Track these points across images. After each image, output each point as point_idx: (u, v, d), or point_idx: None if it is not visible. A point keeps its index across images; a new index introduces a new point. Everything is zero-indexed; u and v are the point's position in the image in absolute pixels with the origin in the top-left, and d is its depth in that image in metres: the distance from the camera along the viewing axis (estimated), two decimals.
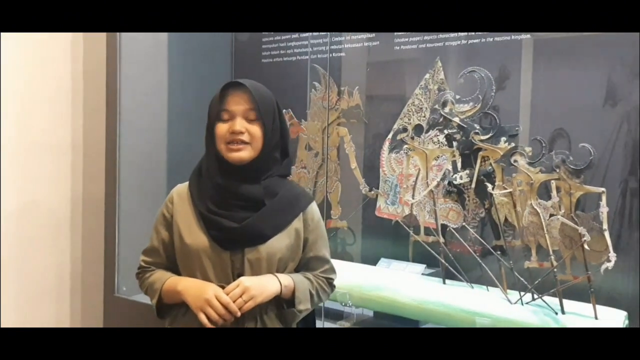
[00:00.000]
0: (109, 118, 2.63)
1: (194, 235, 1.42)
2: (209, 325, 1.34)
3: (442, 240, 2.08)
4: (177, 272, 1.49)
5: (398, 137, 2.27)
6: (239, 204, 1.40)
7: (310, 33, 2.71)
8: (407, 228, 2.19)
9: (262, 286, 1.38)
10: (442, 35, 2.35)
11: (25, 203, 2.60)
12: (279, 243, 1.43)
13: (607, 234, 1.74)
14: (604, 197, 1.75)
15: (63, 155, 2.76)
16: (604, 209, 1.75)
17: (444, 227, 2.11)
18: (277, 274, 1.43)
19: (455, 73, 2.18)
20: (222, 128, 1.41)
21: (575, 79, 2.11)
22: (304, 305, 1.44)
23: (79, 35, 2.78)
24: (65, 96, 2.76)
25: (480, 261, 2.00)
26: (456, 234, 2.05)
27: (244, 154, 1.40)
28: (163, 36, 2.72)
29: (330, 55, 2.64)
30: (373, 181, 2.45)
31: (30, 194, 2.62)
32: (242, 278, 1.38)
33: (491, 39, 2.23)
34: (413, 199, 2.18)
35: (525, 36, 2.18)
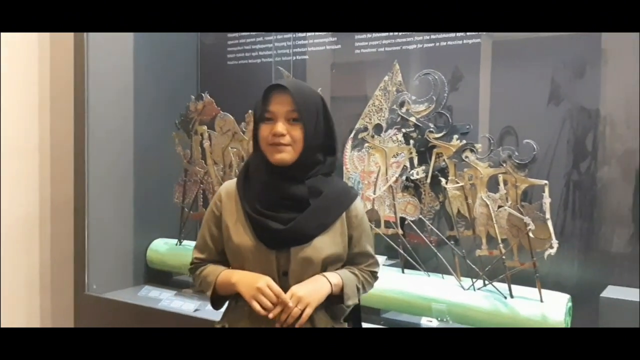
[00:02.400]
0: (77, 120, 2.65)
1: (240, 234, 1.45)
2: (262, 312, 1.36)
3: (400, 232, 2.21)
4: (228, 266, 1.53)
5: (359, 136, 2.37)
6: (285, 203, 1.42)
7: (275, 36, 2.80)
8: (368, 222, 2.29)
9: (314, 291, 1.40)
10: (399, 40, 2.48)
11: None
12: (325, 242, 1.44)
13: (550, 223, 1.86)
14: (546, 189, 1.88)
15: (30, 157, 2.78)
16: (546, 200, 1.87)
17: (402, 220, 2.22)
18: (325, 274, 1.44)
19: (413, 75, 2.31)
20: (265, 129, 1.43)
21: (521, 80, 2.26)
22: (352, 301, 1.47)
23: (45, 36, 2.79)
24: (32, 99, 2.78)
25: (436, 251, 2.13)
26: (414, 226, 2.18)
27: (286, 155, 1.41)
28: (129, 38, 2.75)
29: (294, 57, 2.74)
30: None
31: None
32: (293, 288, 1.39)
33: (445, 43, 2.38)
34: (374, 194, 2.29)
35: (477, 40, 2.33)
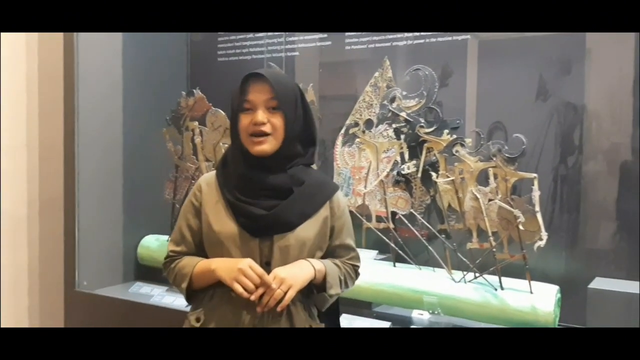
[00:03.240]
0: (67, 117, 2.64)
1: (222, 222, 1.42)
2: (245, 294, 1.33)
3: (392, 226, 2.23)
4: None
5: (350, 132, 2.39)
6: (266, 193, 1.40)
7: (266, 33, 2.81)
8: (360, 216, 2.31)
9: (297, 274, 1.38)
10: (389, 36, 2.50)
11: None
12: (307, 231, 1.42)
13: (539, 216, 1.89)
14: (536, 182, 1.91)
15: (20, 155, 2.76)
16: (536, 193, 1.90)
17: (393, 214, 2.24)
18: (308, 259, 1.42)
19: (403, 71, 2.33)
20: (244, 119, 1.41)
21: (511, 76, 2.29)
22: (334, 290, 1.44)
23: (34, 35, 2.78)
24: (20, 97, 2.76)
25: (426, 244, 2.15)
26: (405, 220, 2.20)
27: (267, 146, 1.39)
28: (118, 34, 2.74)
29: (285, 54, 2.75)
30: (327, 174, 2.56)
31: None
32: (276, 270, 1.37)
33: (434, 40, 2.41)
34: (365, 189, 2.31)
35: (466, 37, 2.36)
